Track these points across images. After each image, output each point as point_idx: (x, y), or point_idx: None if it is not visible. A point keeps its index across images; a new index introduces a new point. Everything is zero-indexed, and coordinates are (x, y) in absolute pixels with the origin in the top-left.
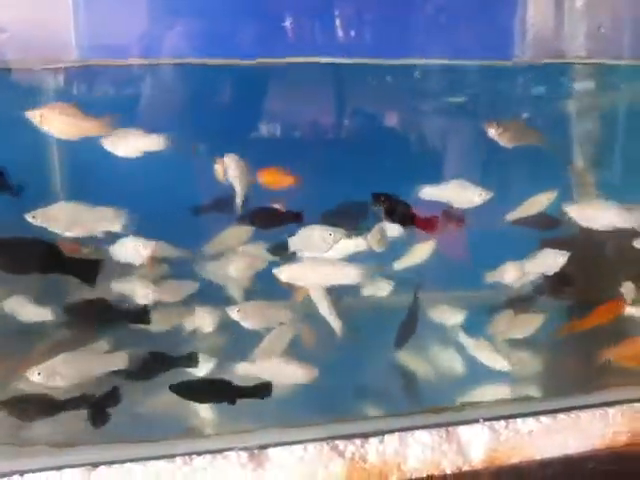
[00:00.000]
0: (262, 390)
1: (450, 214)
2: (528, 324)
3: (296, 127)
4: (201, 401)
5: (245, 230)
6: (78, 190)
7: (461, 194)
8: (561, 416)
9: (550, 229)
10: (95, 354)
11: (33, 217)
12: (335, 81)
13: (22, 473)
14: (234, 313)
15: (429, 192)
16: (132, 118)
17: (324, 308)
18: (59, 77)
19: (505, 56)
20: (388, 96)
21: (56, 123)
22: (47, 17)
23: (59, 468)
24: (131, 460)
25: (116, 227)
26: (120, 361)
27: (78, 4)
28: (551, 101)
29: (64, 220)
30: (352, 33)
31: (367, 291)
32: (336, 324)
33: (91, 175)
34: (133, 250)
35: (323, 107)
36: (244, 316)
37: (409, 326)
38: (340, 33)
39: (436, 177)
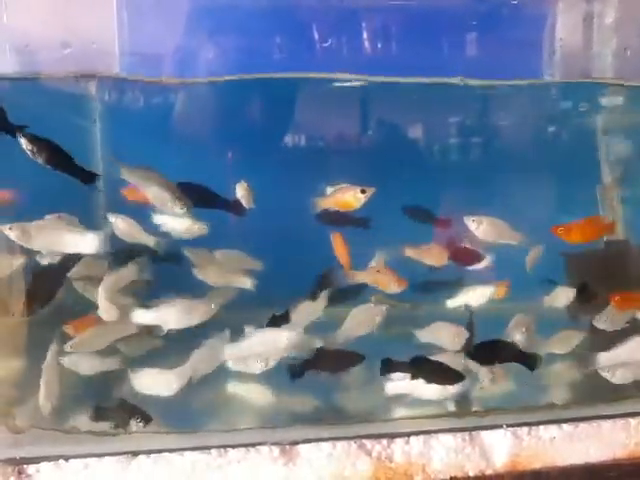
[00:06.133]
0: None
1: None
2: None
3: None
4: None
5: None
6: None
7: None
8: (583, 424)
9: None
10: None
11: None
12: (361, 99)
13: (67, 458)
14: None
15: None
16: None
17: None
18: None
19: (533, 74)
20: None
21: None
22: (93, 28)
23: (100, 456)
24: (169, 450)
25: None
26: None
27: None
28: (578, 118)
29: None
30: (381, 50)
31: None
32: None
33: None
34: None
35: (352, 120)
36: None
37: None
38: (368, 50)
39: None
